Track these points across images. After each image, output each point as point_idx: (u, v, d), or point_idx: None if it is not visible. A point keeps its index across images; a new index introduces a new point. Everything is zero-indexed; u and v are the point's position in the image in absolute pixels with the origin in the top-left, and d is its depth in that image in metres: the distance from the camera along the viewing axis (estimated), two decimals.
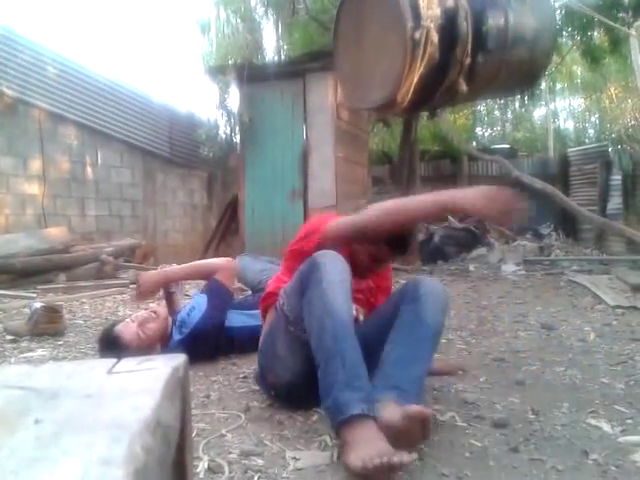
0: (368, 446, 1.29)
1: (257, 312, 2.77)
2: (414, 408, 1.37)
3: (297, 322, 1.70)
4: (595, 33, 8.48)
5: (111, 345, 2.34)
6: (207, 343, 2.52)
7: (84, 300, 4.54)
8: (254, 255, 4.09)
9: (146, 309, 2.68)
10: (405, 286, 1.81)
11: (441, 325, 1.73)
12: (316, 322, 1.58)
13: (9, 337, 3.05)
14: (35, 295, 4.64)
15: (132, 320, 2.48)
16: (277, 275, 2.04)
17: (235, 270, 2.72)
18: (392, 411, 1.39)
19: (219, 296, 2.59)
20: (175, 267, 2.86)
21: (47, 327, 3.10)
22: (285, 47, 10.60)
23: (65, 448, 0.39)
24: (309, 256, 1.72)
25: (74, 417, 0.44)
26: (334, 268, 1.63)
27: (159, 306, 2.78)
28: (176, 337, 2.48)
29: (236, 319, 2.73)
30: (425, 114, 6.72)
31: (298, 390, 1.77)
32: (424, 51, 4.32)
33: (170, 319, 2.59)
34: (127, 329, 2.42)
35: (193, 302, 2.56)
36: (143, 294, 2.66)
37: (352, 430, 1.36)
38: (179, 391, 0.57)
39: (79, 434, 0.41)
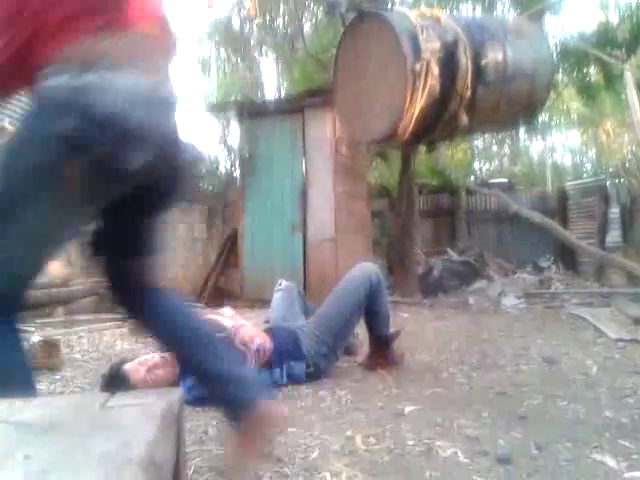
0: None
1: None
2: None
3: None
4: (591, 70, 8.64)
5: (116, 384, 2.28)
6: None
7: (82, 334, 4.50)
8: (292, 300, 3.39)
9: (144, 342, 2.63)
10: None
11: None
12: None
13: None
14: (33, 329, 4.60)
15: (141, 364, 2.43)
16: None
17: None
18: None
19: None
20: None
21: (44, 361, 3.06)
22: (285, 84, 10.78)
23: None
24: None
25: (64, 453, 0.43)
26: None
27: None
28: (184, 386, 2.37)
29: None
30: (423, 148, 6.79)
31: None
32: (425, 82, 4.39)
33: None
34: (136, 372, 2.39)
35: None
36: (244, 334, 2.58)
37: None
38: (174, 427, 0.56)
39: (68, 472, 0.40)
